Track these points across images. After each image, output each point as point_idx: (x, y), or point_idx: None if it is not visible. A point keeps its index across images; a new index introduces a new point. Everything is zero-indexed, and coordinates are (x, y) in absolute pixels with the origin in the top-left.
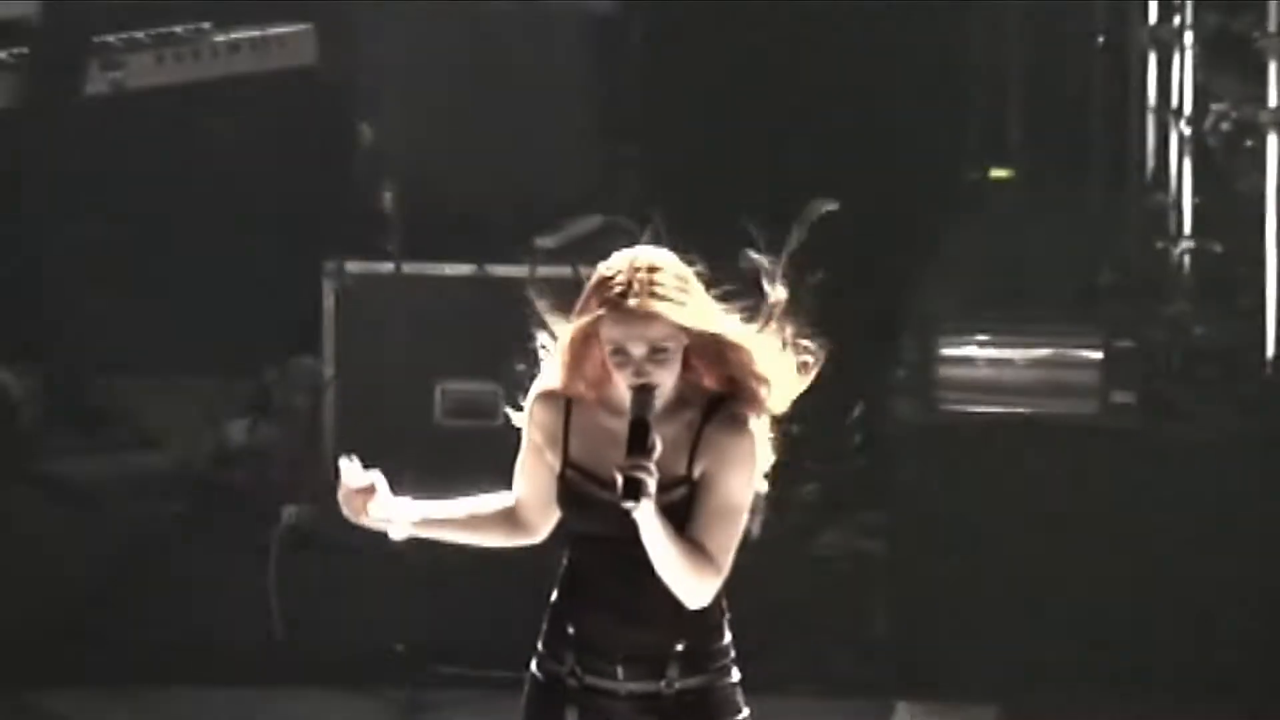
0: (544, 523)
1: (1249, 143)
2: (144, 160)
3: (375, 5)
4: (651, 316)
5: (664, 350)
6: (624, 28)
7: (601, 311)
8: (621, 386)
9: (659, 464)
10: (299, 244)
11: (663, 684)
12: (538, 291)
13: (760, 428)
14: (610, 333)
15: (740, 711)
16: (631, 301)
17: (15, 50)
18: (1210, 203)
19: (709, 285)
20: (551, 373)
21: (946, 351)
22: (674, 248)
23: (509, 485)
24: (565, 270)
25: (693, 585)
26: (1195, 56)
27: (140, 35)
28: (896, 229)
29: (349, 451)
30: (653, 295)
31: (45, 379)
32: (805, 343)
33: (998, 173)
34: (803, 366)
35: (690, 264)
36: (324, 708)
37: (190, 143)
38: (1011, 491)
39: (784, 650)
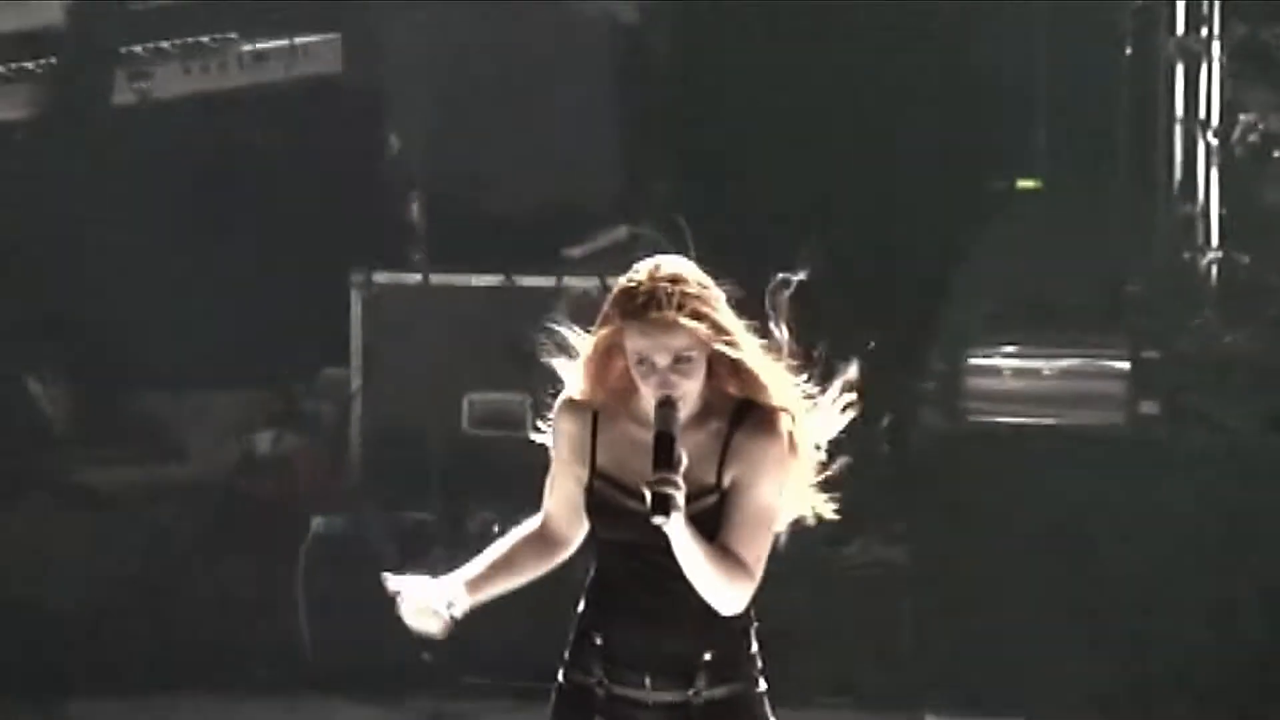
0: (575, 535)
1: (1276, 153)
2: (170, 170)
3: (402, 15)
4: (674, 327)
5: (688, 360)
6: (651, 38)
7: (625, 322)
8: (647, 396)
9: (688, 473)
10: (326, 254)
11: (691, 693)
12: (564, 302)
13: (791, 432)
14: (634, 343)
15: None
16: (654, 312)
17: (43, 60)
18: (1237, 213)
19: (732, 298)
20: (575, 384)
21: (974, 362)
22: (700, 259)
23: (536, 495)
24: (593, 281)
25: (726, 592)
26: (1223, 67)
27: (167, 45)
28: (924, 239)
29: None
30: (675, 306)
31: (73, 389)
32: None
33: (1025, 183)
34: (814, 399)
35: (714, 276)
36: (351, 717)
37: (217, 153)
38: (1038, 501)
39: (811, 661)
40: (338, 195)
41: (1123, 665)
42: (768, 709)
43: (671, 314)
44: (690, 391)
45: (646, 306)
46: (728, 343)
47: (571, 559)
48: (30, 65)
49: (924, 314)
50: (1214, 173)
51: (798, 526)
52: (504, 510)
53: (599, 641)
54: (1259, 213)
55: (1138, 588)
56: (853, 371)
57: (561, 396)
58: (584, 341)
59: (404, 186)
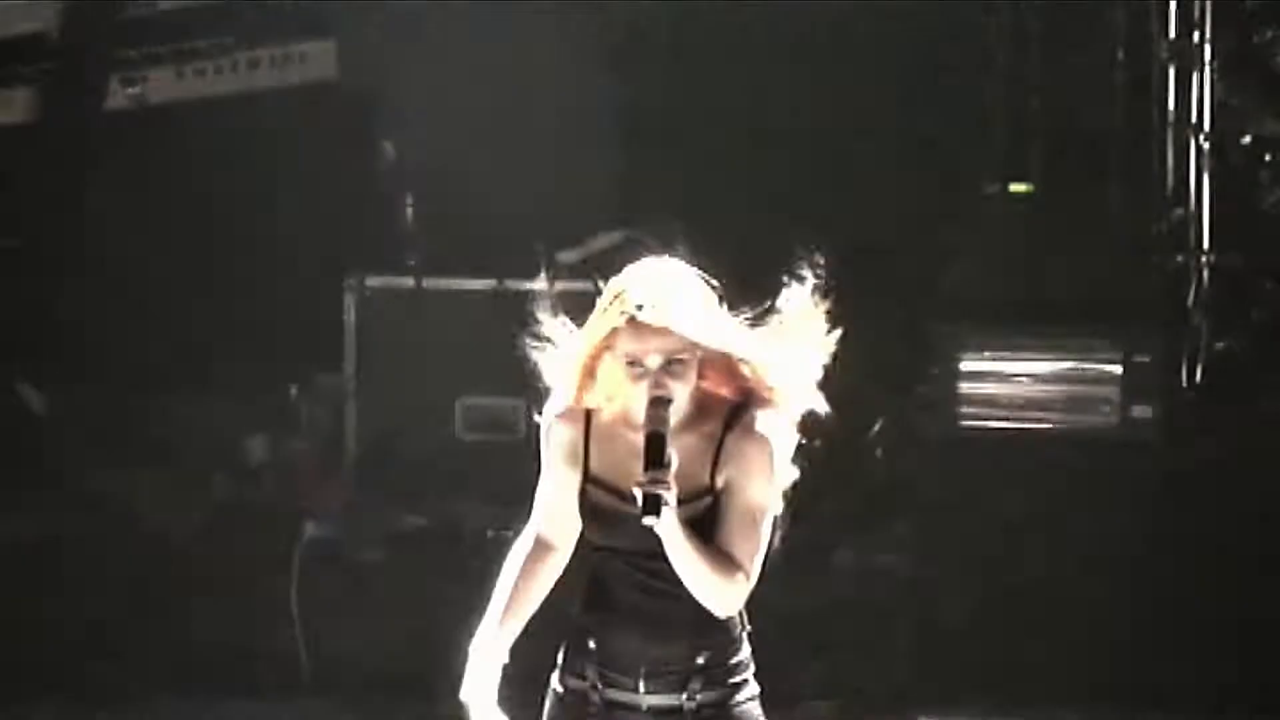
0: (569, 542)
1: (1268, 157)
2: (164, 175)
3: (396, 21)
4: (666, 329)
5: (680, 362)
6: (645, 43)
7: (617, 324)
8: (639, 398)
9: (681, 476)
10: (321, 259)
11: (684, 697)
12: (557, 306)
13: (780, 438)
14: (626, 345)
15: None
16: (646, 314)
17: (38, 66)
18: (1230, 217)
19: (724, 299)
20: (567, 389)
21: (966, 366)
22: (693, 262)
23: (530, 499)
24: (586, 285)
25: (721, 594)
26: (1215, 72)
27: (161, 50)
28: (917, 244)
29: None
30: (668, 308)
31: (71, 394)
32: (819, 358)
33: (1017, 187)
34: (814, 383)
35: (707, 279)
36: None
37: (211, 158)
38: (1031, 505)
39: (805, 664)
40: (332, 200)
41: (1115, 668)
42: (761, 712)
43: (664, 316)
44: (682, 393)
45: (639, 308)
46: (720, 345)
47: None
48: (26, 71)
49: (917, 319)
50: (1205, 176)
51: (791, 530)
52: (498, 514)
53: (593, 646)
54: (1251, 217)
55: (1130, 591)
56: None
57: (552, 403)
58: (576, 343)
59: (398, 192)
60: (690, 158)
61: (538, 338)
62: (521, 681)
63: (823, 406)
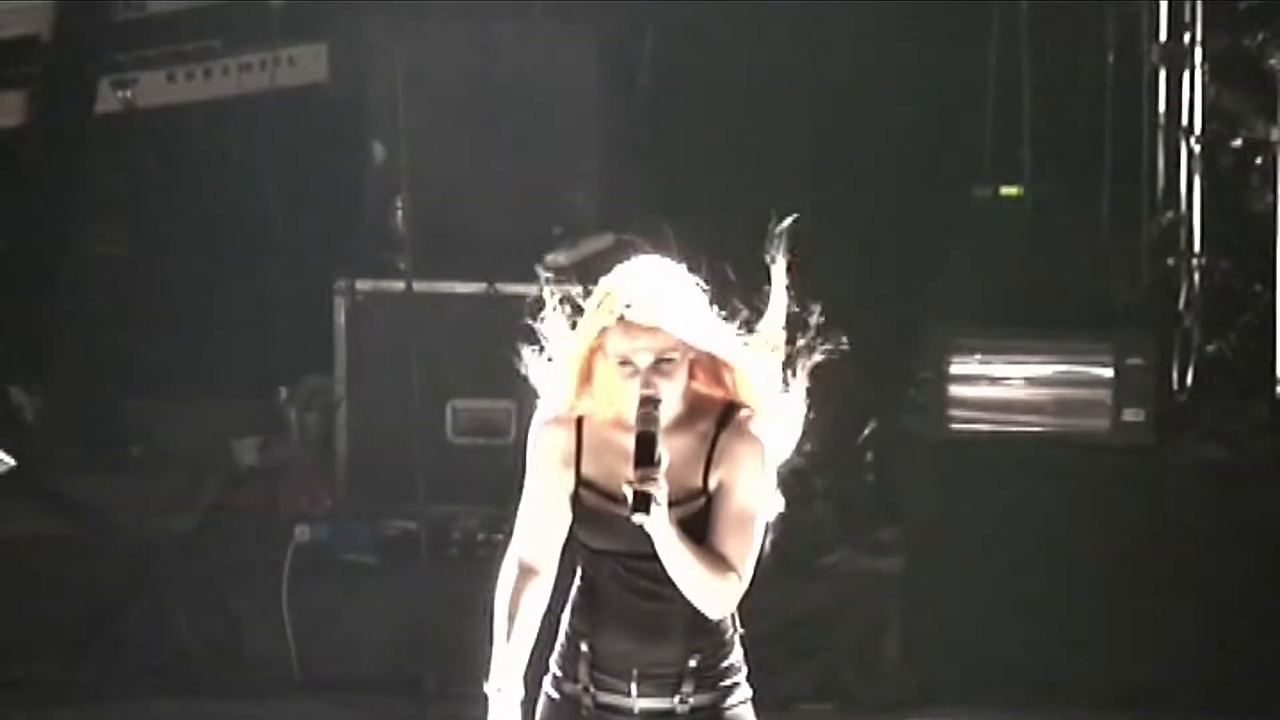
0: (554, 560)
1: (1259, 160)
2: (154, 179)
3: (387, 24)
4: (656, 327)
5: (669, 361)
6: (634, 46)
7: (607, 323)
8: (629, 398)
9: (674, 477)
10: (310, 262)
11: (676, 700)
12: (548, 309)
13: (770, 440)
14: (616, 344)
15: None
16: (636, 313)
17: (26, 68)
18: (1221, 220)
19: (714, 300)
20: (557, 394)
21: (957, 369)
22: (683, 264)
23: (519, 502)
24: (576, 288)
25: (714, 594)
26: (1206, 74)
27: (151, 54)
28: (907, 247)
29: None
30: (657, 307)
31: (57, 398)
32: (807, 364)
33: (1008, 190)
34: (799, 389)
35: (696, 280)
36: None
37: (201, 161)
38: (1022, 509)
39: (796, 667)
40: (321, 203)
41: (1109, 672)
42: (753, 715)
43: (654, 315)
44: (672, 392)
45: (628, 306)
46: (709, 344)
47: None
48: (13, 74)
49: (907, 322)
50: (1197, 179)
51: (783, 533)
52: (489, 517)
53: (585, 649)
54: (1242, 219)
55: (1123, 595)
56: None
57: (542, 409)
58: (566, 343)
59: (388, 194)
60: (681, 160)
61: (530, 341)
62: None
63: (801, 421)
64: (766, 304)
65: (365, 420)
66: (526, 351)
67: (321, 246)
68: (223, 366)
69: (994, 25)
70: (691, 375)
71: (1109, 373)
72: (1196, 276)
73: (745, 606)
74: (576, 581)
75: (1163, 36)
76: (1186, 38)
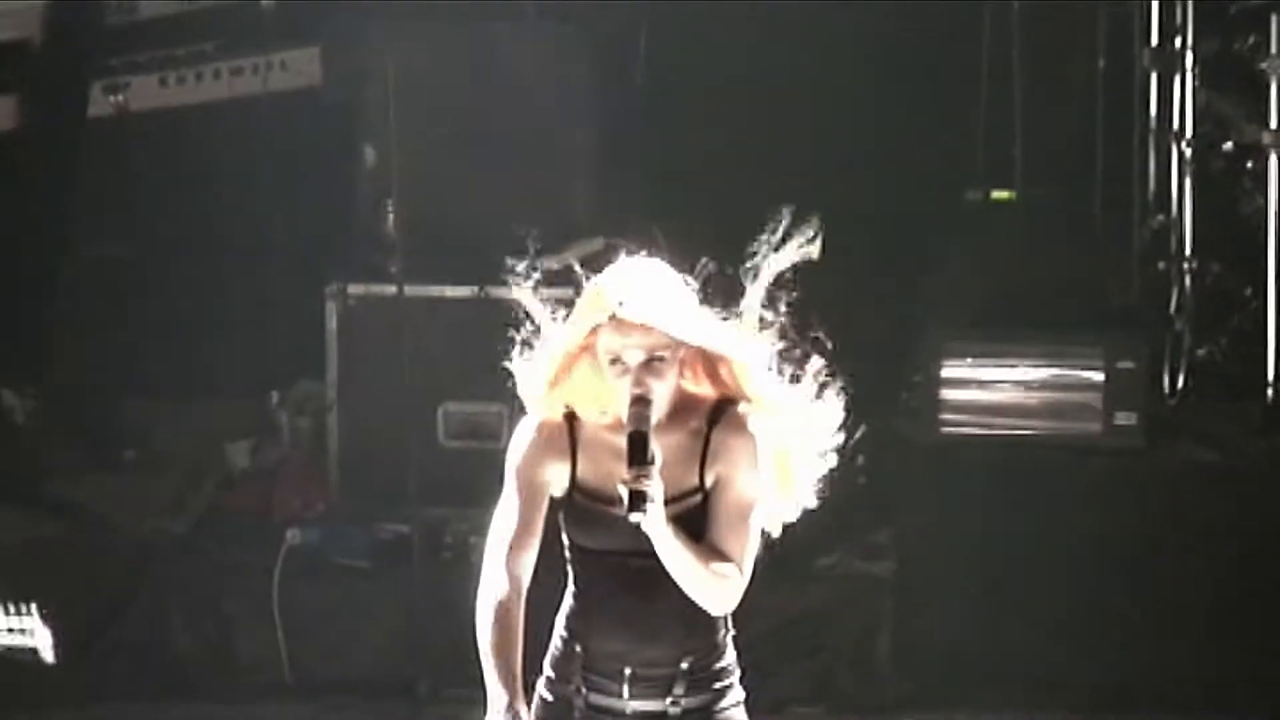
0: (529, 567)
1: (1250, 164)
2: (147, 183)
3: (379, 28)
4: (647, 326)
5: (660, 359)
6: (627, 48)
7: (598, 321)
8: (620, 397)
9: (669, 475)
10: (302, 266)
11: (669, 702)
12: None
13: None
14: (607, 342)
15: None
16: (626, 311)
17: (18, 73)
18: (1212, 224)
19: (704, 300)
20: (538, 393)
21: (949, 373)
22: (676, 265)
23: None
24: (568, 292)
25: (715, 591)
26: (1196, 78)
27: (143, 58)
28: (899, 250)
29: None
30: (647, 305)
31: (50, 400)
32: (801, 359)
33: (999, 194)
34: (792, 382)
35: (686, 281)
36: None
37: (193, 165)
38: (1014, 512)
39: (789, 669)
40: (314, 207)
41: (1101, 674)
42: (745, 717)
43: (644, 313)
44: (663, 391)
45: (619, 305)
46: (704, 340)
47: (549, 568)
48: (6, 77)
49: (899, 324)
50: (1188, 183)
51: (774, 535)
52: (480, 522)
53: (578, 650)
54: (1233, 223)
55: (1115, 597)
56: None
57: (530, 417)
58: (556, 341)
59: (379, 198)
60: (672, 162)
61: (522, 344)
62: None
63: (805, 407)
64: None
65: (357, 423)
66: (513, 353)
67: (314, 250)
68: (215, 370)
69: (985, 28)
70: (679, 373)
71: (1100, 376)
72: (1187, 280)
73: (738, 609)
74: (570, 583)
75: (1153, 40)
76: (1177, 41)
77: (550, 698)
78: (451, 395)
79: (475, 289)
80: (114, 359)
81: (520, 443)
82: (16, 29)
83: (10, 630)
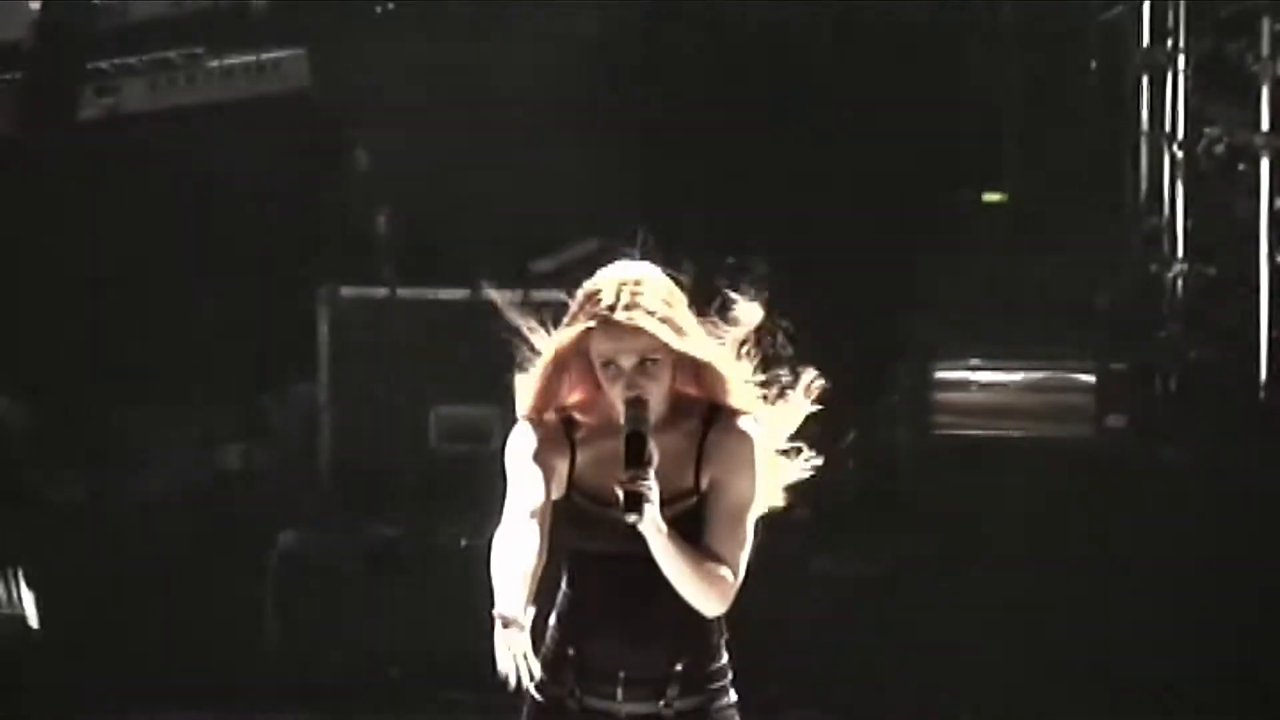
0: (544, 529)
1: (1242, 166)
2: (138, 185)
3: (370, 30)
4: (640, 329)
5: (653, 362)
6: (620, 55)
7: (590, 324)
8: (614, 400)
9: (664, 477)
10: (293, 268)
11: (662, 704)
12: (532, 314)
13: (761, 438)
14: (600, 346)
15: None
16: (619, 314)
17: (9, 75)
18: (1204, 226)
19: (695, 304)
20: (531, 391)
21: (941, 375)
22: (667, 269)
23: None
24: (560, 294)
25: (709, 593)
26: (1189, 81)
27: (134, 61)
28: (890, 253)
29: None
30: (640, 308)
31: (41, 404)
32: (789, 373)
33: (991, 196)
34: (779, 396)
35: (680, 285)
36: None
37: (184, 168)
38: (1006, 514)
39: (780, 672)
40: (305, 209)
41: (1093, 677)
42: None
43: (638, 316)
44: (657, 393)
45: (612, 309)
46: (692, 346)
47: (544, 571)
48: None
49: (891, 327)
50: (1180, 186)
51: (768, 536)
52: (472, 523)
53: (571, 653)
54: (1225, 226)
55: (1106, 599)
56: (812, 374)
57: (525, 418)
58: (548, 344)
59: (371, 201)
60: (666, 164)
61: (516, 347)
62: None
63: (783, 426)
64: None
65: (349, 426)
66: (510, 357)
67: (305, 252)
68: (206, 372)
69: (979, 31)
70: (673, 376)
71: (1092, 378)
72: (1179, 282)
73: (731, 612)
74: (563, 586)
75: (1146, 42)
76: (1169, 44)
77: (543, 699)
78: (443, 398)
79: (467, 291)
80: (105, 362)
81: (520, 438)
82: (8, 31)
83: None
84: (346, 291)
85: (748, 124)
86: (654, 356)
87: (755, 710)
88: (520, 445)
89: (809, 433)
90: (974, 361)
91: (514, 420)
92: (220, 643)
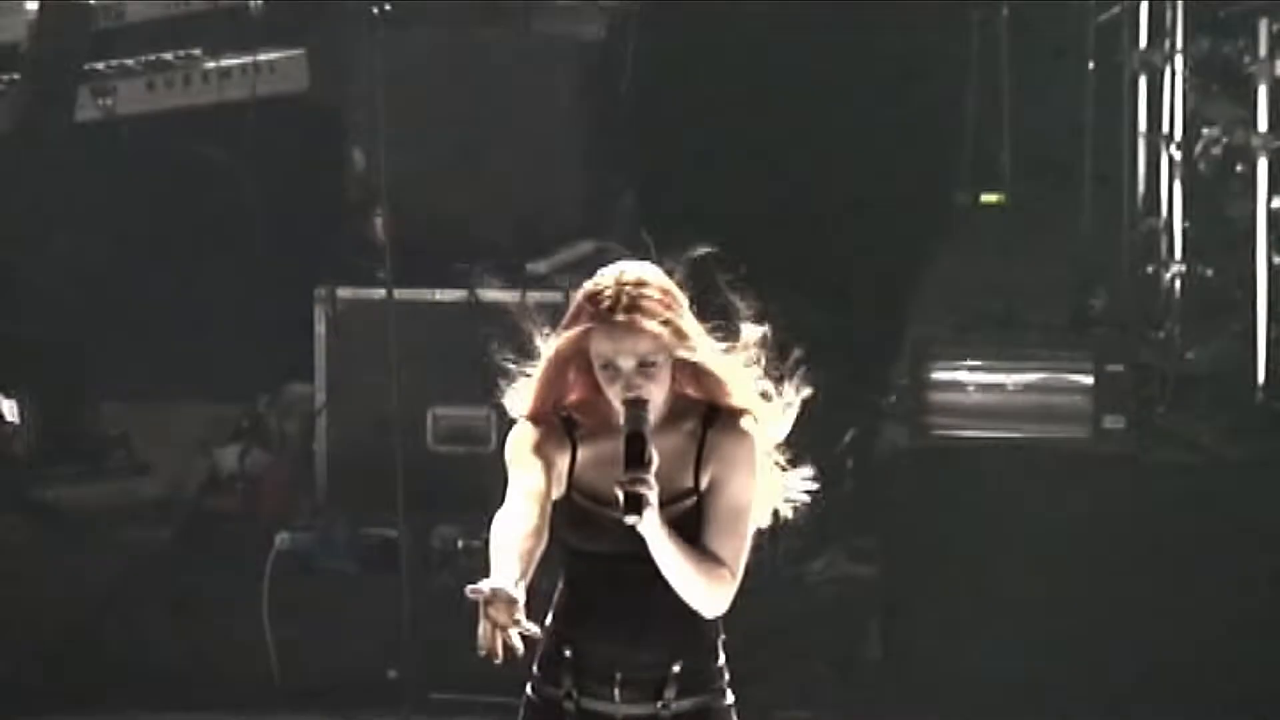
0: (545, 522)
1: (1239, 167)
2: (135, 187)
3: (367, 31)
4: (640, 331)
5: (652, 364)
6: (616, 55)
7: (590, 325)
8: (613, 400)
9: (663, 477)
10: (290, 270)
11: (659, 705)
12: (529, 316)
13: (761, 438)
14: (599, 347)
15: None
16: (619, 316)
17: (6, 76)
18: (1201, 227)
19: (694, 306)
20: (529, 393)
21: (938, 376)
22: (664, 271)
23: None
24: (557, 295)
25: (708, 593)
26: (1186, 81)
27: (131, 62)
28: (888, 254)
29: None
30: (640, 310)
31: (37, 405)
32: (785, 379)
33: (989, 197)
34: (777, 401)
35: (677, 283)
36: None
37: (182, 169)
38: (1003, 516)
39: (776, 675)
40: (302, 211)
41: (1090, 679)
42: None
43: (637, 318)
44: (657, 394)
45: (612, 310)
46: (691, 348)
47: (545, 570)
48: None
49: (888, 328)
50: (1177, 186)
51: (763, 538)
52: (468, 526)
53: (569, 654)
54: (1222, 226)
55: (1103, 601)
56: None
57: (524, 417)
58: (548, 345)
59: (368, 202)
60: (662, 167)
61: (513, 348)
62: (505, 689)
63: (780, 428)
64: (743, 310)
65: (346, 428)
66: (508, 359)
67: (302, 254)
68: (203, 373)
69: (975, 32)
70: (672, 377)
71: (1089, 380)
72: (1177, 283)
73: (727, 614)
74: (561, 586)
75: (1143, 43)
76: (1166, 44)
77: (540, 700)
78: (440, 399)
79: (465, 292)
80: (101, 362)
81: (522, 434)
82: (4, 32)
83: None
84: (344, 292)
85: (745, 124)
86: (653, 359)
87: (751, 712)
88: (522, 440)
89: (807, 433)
90: (971, 362)
91: (511, 422)
92: (216, 645)
